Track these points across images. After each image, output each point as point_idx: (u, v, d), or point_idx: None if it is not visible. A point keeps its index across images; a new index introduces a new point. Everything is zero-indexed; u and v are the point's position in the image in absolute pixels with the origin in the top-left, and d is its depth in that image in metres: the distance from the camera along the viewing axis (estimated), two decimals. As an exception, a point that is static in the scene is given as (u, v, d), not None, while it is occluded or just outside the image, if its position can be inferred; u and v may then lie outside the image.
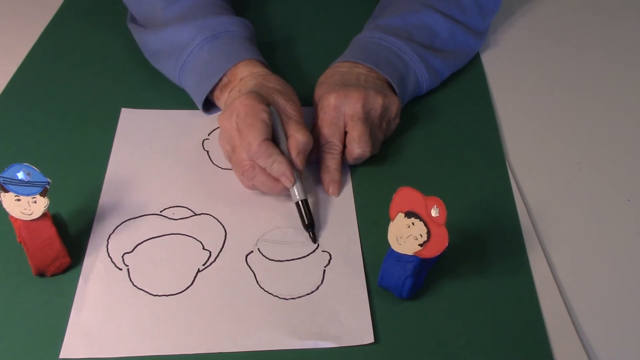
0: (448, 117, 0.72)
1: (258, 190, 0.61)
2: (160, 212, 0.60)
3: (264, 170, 0.58)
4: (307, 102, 0.71)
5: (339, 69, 0.69)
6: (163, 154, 0.66)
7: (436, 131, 0.70)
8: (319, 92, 0.67)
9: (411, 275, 0.51)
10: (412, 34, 0.73)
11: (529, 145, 0.70)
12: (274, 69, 0.76)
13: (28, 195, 0.50)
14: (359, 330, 0.51)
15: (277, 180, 0.59)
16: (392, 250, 0.50)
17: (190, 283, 0.54)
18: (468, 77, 0.78)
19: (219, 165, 0.65)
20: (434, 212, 0.47)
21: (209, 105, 0.70)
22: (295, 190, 0.59)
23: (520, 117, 0.74)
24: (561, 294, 0.55)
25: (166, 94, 0.73)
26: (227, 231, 0.59)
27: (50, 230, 0.52)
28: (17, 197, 0.50)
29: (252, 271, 0.56)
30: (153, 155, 0.66)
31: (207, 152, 0.67)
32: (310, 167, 0.65)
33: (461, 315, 0.53)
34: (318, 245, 0.58)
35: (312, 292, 0.54)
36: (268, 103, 0.60)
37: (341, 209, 0.61)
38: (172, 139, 0.68)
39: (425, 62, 0.71)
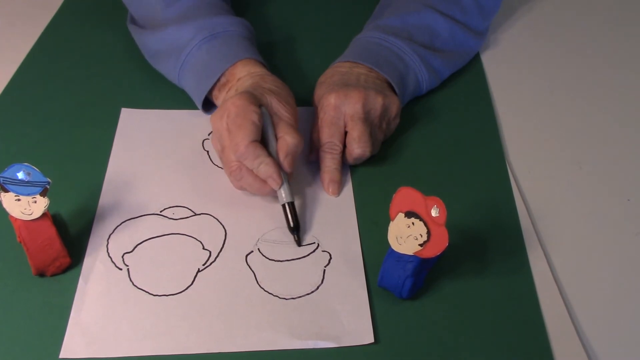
0: (448, 117, 0.72)
1: (247, 191, 0.61)
2: (160, 212, 0.60)
3: (251, 171, 0.58)
4: (307, 102, 0.71)
5: (339, 68, 0.69)
6: (163, 154, 0.66)
7: (436, 131, 0.70)
8: (319, 92, 0.67)
9: (411, 275, 0.51)
10: (412, 34, 0.73)
11: (529, 145, 0.70)
12: (274, 69, 0.76)
13: (28, 195, 0.50)
14: (359, 330, 0.51)
15: (264, 181, 0.58)
16: (392, 250, 0.50)
17: (190, 283, 0.54)
18: (468, 77, 0.78)
19: (219, 165, 0.65)
20: (434, 212, 0.47)
21: (209, 105, 0.70)
22: (282, 192, 0.59)
23: (520, 117, 0.74)
24: (561, 294, 0.55)
25: (166, 94, 0.73)
26: (227, 231, 0.59)
27: (50, 230, 0.52)
28: (17, 197, 0.50)
29: (252, 271, 0.56)
30: (153, 155, 0.66)
31: (207, 152, 0.67)
32: (310, 167, 0.65)
33: (461, 315, 0.53)
34: (318, 245, 0.58)
35: (312, 292, 0.54)
36: (260, 104, 0.60)
37: (341, 209, 0.61)
38: (172, 139, 0.68)
39: (426, 62, 0.71)
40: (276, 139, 0.60)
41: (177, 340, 0.50)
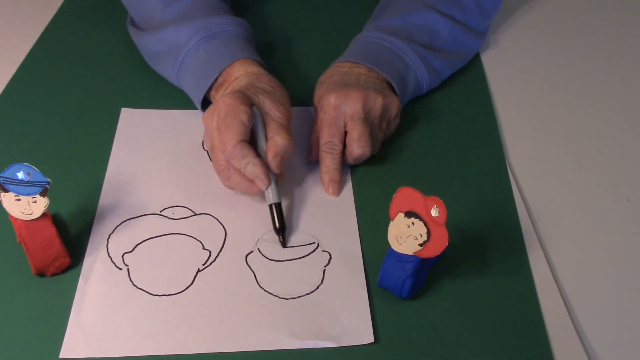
0: (448, 117, 0.72)
1: (236, 190, 0.61)
2: (160, 212, 0.60)
3: (239, 171, 0.58)
4: (307, 102, 0.71)
5: (339, 68, 0.69)
6: (163, 154, 0.66)
7: (436, 131, 0.70)
8: (319, 92, 0.67)
9: (411, 275, 0.51)
10: (412, 34, 0.73)
11: (529, 145, 0.70)
12: (274, 69, 0.76)
13: (28, 195, 0.50)
14: (359, 330, 0.51)
15: (252, 181, 0.58)
16: (392, 250, 0.50)
17: (190, 283, 0.54)
18: (468, 77, 0.78)
19: (219, 165, 0.65)
20: (434, 212, 0.47)
21: (208, 105, 0.70)
22: (270, 193, 0.58)
23: (520, 117, 0.74)
24: (561, 294, 0.55)
25: (166, 94, 0.73)
26: (227, 231, 0.59)
27: (50, 230, 0.52)
28: (17, 197, 0.50)
29: (252, 271, 0.56)
30: (153, 155, 0.66)
31: (207, 152, 0.67)
32: (310, 167, 0.65)
33: (461, 315, 0.53)
34: (318, 245, 0.58)
35: (312, 292, 0.54)
36: (252, 103, 0.60)
37: (341, 209, 0.61)
38: (172, 139, 0.68)
39: (426, 62, 0.71)
40: (266, 139, 0.60)
41: (177, 340, 0.50)
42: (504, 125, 0.72)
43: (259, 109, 0.61)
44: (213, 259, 0.56)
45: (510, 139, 0.71)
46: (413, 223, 0.48)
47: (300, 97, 0.73)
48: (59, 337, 0.50)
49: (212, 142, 0.59)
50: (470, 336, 0.52)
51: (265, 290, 0.54)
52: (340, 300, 0.53)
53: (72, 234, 0.58)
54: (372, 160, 0.66)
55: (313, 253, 0.57)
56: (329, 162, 0.63)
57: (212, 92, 0.68)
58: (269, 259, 0.57)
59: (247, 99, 0.60)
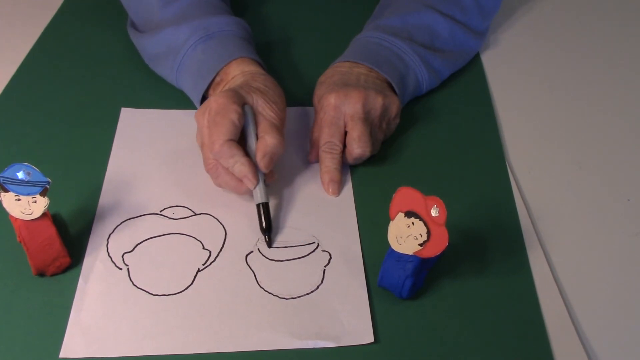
0: (448, 117, 0.72)
1: (226, 189, 0.61)
2: (160, 211, 0.60)
3: (227, 170, 0.58)
4: (307, 102, 0.71)
5: (339, 68, 0.69)
6: (163, 154, 0.66)
7: (436, 131, 0.70)
8: (319, 92, 0.67)
9: (411, 275, 0.51)
10: (412, 34, 0.73)
11: (529, 145, 0.70)
12: (273, 69, 0.76)
13: (28, 195, 0.50)
14: (359, 330, 0.51)
15: (240, 181, 0.58)
16: (392, 250, 0.50)
17: (190, 283, 0.54)
18: (468, 77, 0.78)
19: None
20: (433, 212, 0.47)
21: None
22: (257, 192, 0.58)
23: (520, 117, 0.74)
24: (561, 294, 0.55)
25: (166, 94, 0.73)
26: (227, 231, 0.59)
27: (50, 230, 0.52)
28: (17, 197, 0.50)
29: (252, 271, 0.56)
30: (153, 155, 0.66)
31: (207, 152, 0.67)
32: (310, 167, 0.65)
33: (461, 315, 0.53)
34: (318, 245, 0.58)
35: (312, 292, 0.54)
36: (245, 102, 0.60)
37: (341, 209, 0.61)
38: (172, 139, 0.68)
39: (426, 62, 0.71)
40: (257, 138, 0.60)
41: (177, 340, 0.50)
42: (504, 125, 0.72)
43: (252, 108, 0.61)
44: (213, 259, 0.56)
45: (510, 139, 0.71)
46: (413, 223, 0.48)
47: (300, 97, 0.73)
48: (59, 337, 0.50)
49: (202, 140, 0.59)
50: (470, 336, 0.52)
51: (265, 290, 0.54)
52: (340, 300, 0.53)
53: (72, 234, 0.58)
54: (372, 160, 0.66)
55: (313, 253, 0.57)
56: (329, 162, 0.63)
57: (211, 92, 0.68)
58: (269, 259, 0.57)
59: (239, 98, 0.59)
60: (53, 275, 0.54)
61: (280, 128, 0.61)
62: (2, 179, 0.49)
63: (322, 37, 0.84)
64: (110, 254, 0.56)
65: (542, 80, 0.80)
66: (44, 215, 0.51)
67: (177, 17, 0.70)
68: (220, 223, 0.59)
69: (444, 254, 0.49)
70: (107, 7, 0.87)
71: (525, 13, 0.92)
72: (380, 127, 0.65)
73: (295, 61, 0.80)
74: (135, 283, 0.54)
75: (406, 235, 0.49)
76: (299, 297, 0.54)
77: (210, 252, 0.57)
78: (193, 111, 0.70)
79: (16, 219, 0.51)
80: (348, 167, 0.65)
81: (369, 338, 0.51)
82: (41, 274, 0.54)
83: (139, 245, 0.57)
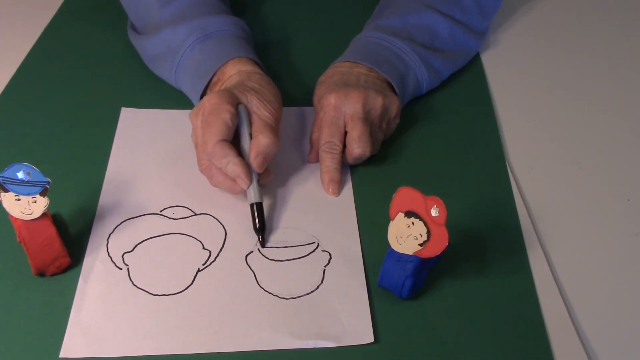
0: (448, 117, 0.72)
1: (220, 189, 0.61)
2: (160, 211, 0.60)
3: (220, 170, 0.58)
4: (307, 102, 0.71)
5: (339, 68, 0.69)
6: (163, 154, 0.66)
7: (436, 131, 0.70)
8: (319, 92, 0.67)
9: (411, 275, 0.51)
10: (412, 34, 0.73)
11: (529, 145, 0.70)
12: (272, 69, 0.76)
13: (28, 195, 0.50)
14: (359, 330, 0.51)
15: (234, 180, 0.58)
16: (392, 250, 0.50)
17: (190, 283, 0.54)
18: (468, 77, 0.78)
19: (219, 165, 0.65)
20: (434, 212, 0.47)
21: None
22: (251, 192, 0.58)
23: (520, 117, 0.74)
24: (561, 294, 0.55)
25: (166, 94, 0.73)
26: (227, 231, 0.59)
27: (50, 230, 0.52)
28: (17, 197, 0.50)
29: (252, 271, 0.56)
30: (153, 154, 0.66)
31: (207, 152, 0.67)
32: (310, 167, 0.65)
33: (461, 315, 0.53)
34: (318, 245, 0.58)
35: (312, 292, 0.54)
36: (239, 102, 0.60)
37: (341, 209, 0.61)
38: (172, 139, 0.68)
39: (426, 62, 0.71)
40: (251, 138, 0.60)
41: (177, 340, 0.50)
42: (504, 125, 0.72)
43: (246, 108, 0.61)
44: (213, 259, 0.56)
45: (510, 139, 0.71)
46: (413, 223, 0.48)
47: (299, 97, 0.73)
48: (59, 337, 0.50)
49: (196, 140, 0.59)
50: (470, 336, 0.52)
51: (265, 290, 0.54)
52: (340, 300, 0.53)
53: (72, 234, 0.58)
54: (372, 160, 0.66)
55: (313, 253, 0.57)
56: (329, 162, 0.63)
57: (209, 92, 0.68)
58: (269, 259, 0.57)
59: (232, 97, 0.59)
60: (53, 275, 0.54)
61: (274, 127, 0.61)
62: (2, 179, 0.49)
63: (321, 37, 0.84)
64: (110, 254, 0.56)
65: (542, 80, 0.80)
66: (44, 215, 0.51)
67: (176, 17, 0.70)
68: (220, 223, 0.59)
69: (444, 254, 0.49)
70: (107, 7, 0.87)
71: (525, 13, 0.92)
72: (380, 127, 0.65)
73: (295, 61, 0.80)
74: (135, 283, 0.54)
75: (406, 235, 0.49)
76: (299, 297, 0.54)
77: (210, 252, 0.57)
78: (193, 111, 0.71)
79: (16, 219, 0.51)
80: (348, 167, 0.65)
81: (369, 338, 0.51)
82: (41, 274, 0.54)
83: (139, 245, 0.57)
